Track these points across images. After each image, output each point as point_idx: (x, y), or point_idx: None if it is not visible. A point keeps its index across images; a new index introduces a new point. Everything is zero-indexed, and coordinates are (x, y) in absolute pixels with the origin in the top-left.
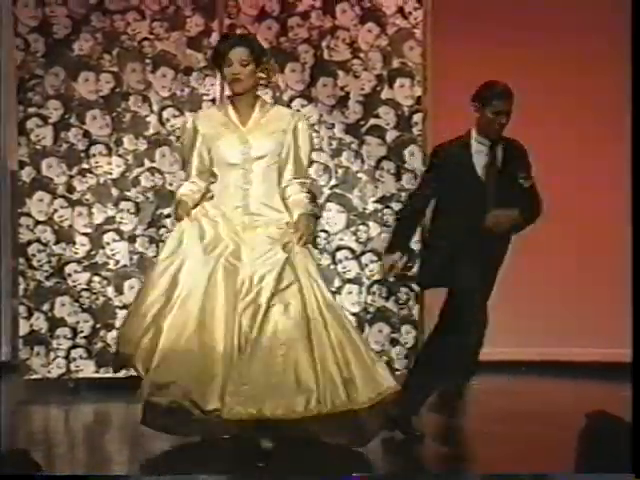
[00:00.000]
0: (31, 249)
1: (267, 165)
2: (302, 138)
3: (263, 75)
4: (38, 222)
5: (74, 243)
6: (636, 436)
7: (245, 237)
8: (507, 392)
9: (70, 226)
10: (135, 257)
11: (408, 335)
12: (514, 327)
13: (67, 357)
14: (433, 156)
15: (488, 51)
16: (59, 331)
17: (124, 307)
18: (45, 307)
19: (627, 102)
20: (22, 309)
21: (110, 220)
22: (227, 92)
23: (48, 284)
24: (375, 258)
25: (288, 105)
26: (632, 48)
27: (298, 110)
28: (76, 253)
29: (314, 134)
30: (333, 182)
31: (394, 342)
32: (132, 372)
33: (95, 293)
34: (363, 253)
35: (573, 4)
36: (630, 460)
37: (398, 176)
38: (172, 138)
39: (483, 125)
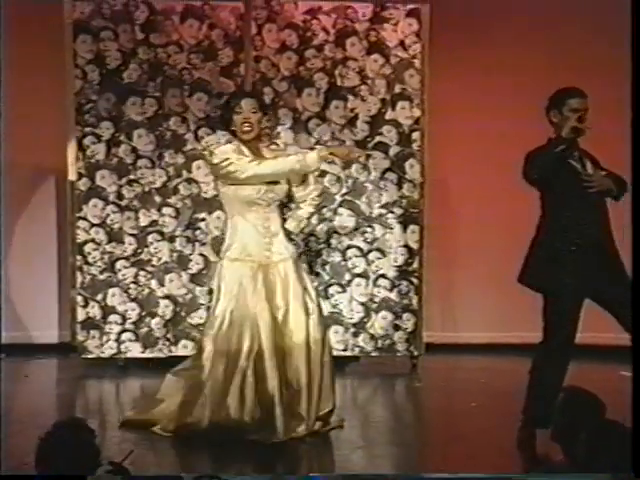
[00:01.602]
0: (87, 248)
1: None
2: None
3: (268, 125)
4: (93, 225)
5: (123, 242)
6: (636, 436)
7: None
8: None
9: (120, 228)
10: (175, 255)
11: (408, 322)
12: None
13: (117, 340)
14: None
15: (478, 79)
16: (111, 317)
17: (166, 297)
18: (99, 297)
19: (627, 102)
20: (79, 299)
21: (154, 223)
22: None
23: (101, 277)
24: (380, 255)
25: (306, 123)
26: (632, 48)
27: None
28: (125, 251)
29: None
30: (344, 190)
31: (396, 327)
32: (173, 353)
33: (141, 285)
34: (370, 251)
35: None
36: (630, 460)
37: (400, 185)
38: (206, 153)
39: (562, 127)
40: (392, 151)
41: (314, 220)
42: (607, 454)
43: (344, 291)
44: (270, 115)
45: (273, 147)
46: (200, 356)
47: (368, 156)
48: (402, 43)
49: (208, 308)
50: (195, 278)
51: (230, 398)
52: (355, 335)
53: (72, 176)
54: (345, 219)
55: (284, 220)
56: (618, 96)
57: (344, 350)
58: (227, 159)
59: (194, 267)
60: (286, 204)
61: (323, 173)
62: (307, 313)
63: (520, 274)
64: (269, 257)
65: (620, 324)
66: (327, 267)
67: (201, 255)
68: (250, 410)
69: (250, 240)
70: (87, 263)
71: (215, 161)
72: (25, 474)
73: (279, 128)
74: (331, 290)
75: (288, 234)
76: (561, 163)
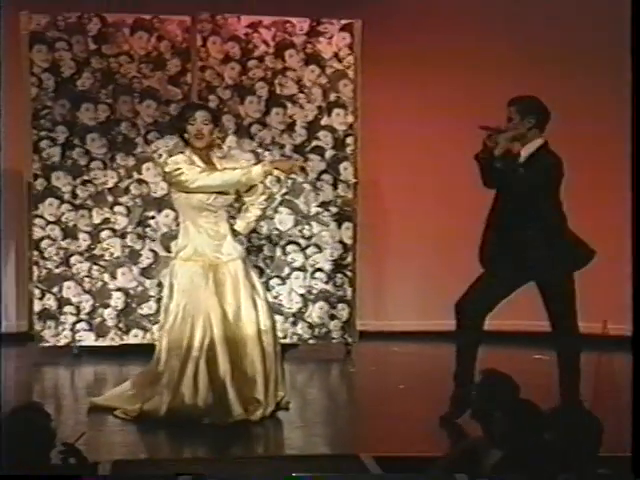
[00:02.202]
0: (43, 244)
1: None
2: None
3: (219, 136)
4: (49, 222)
5: (77, 239)
6: (636, 436)
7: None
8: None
9: (74, 225)
10: (126, 250)
11: (343, 311)
12: None
13: (72, 329)
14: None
15: (406, 88)
16: (66, 308)
17: (118, 289)
18: (55, 289)
19: (627, 102)
20: (36, 291)
21: (106, 220)
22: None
23: (57, 271)
24: (317, 250)
25: (248, 128)
26: (632, 48)
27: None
28: (79, 247)
29: (267, 152)
30: (284, 190)
31: (332, 317)
32: (125, 341)
33: (94, 279)
34: (307, 247)
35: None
36: (630, 460)
37: (335, 186)
38: (155, 156)
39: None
40: (328, 154)
41: None
42: (521, 431)
43: (284, 283)
44: (221, 126)
45: (220, 154)
46: (156, 349)
47: (306, 159)
48: (336, 55)
49: (158, 300)
50: (145, 272)
51: (184, 386)
52: (294, 324)
53: (29, 177)
54: (285, 217)
55: (232, 222)
56: (618, 96)
57: (284, 338)
58: (179, 169)
59: (144, 261)
60: (233, 205)
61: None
62: (256, 308)
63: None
64: (219, 258)
65: (547, 312)
66: (268, 261)
67: (151, 250)
68: (203, 396)
69: (201, 242)
70: (43, 258)
71: (167, 170)
72: (25, 474)
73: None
74: (272, 282)
75: (236, 235)
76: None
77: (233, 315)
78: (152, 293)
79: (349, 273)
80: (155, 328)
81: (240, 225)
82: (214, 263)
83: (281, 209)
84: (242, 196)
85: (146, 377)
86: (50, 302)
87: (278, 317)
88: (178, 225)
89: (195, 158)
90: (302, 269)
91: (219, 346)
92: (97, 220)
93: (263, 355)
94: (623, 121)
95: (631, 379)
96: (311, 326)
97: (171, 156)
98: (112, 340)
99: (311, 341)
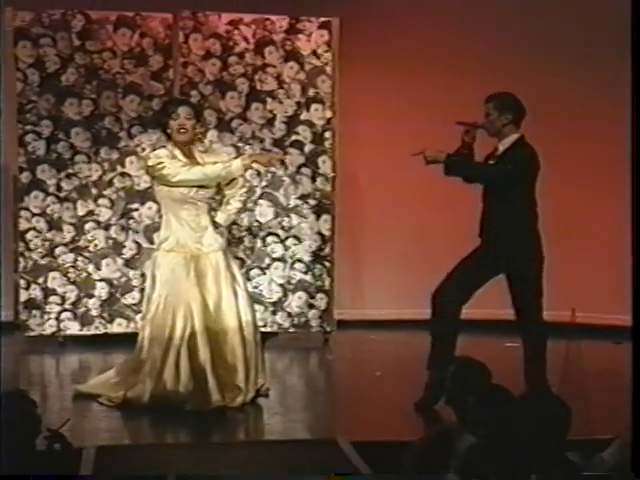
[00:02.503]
0: (29, 235)
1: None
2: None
3: (200, 130)
4: (34, 214)
5: (62, 230)
6: (636, 436)
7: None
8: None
9: (59, 217)
10: (110, 241)
11: (322, 301)
12: None
13: (57, 318)
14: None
15: (382, 84)
16: (51, 299)
17: (102, 280)
18: (40, 280)
19: (627, 102)
20: (22, 282)
21: (90, 213)
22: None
23: (42, 262)
24: (296, 242)
25: (229, 123)
26: (632, 50)
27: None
28: (64, 238)
29: (247, 146)
30: (264, 183)
31: (311, 306)
32: (108, 330)
33: (79, 269)
34: (287, 238)
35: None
36: (630, 460)
37: (314, 179)
38: (138, 149)
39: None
40: (307, 148)
41: None
42: (492, 414)
43: (264, 274)
44: (202, 121)
45: (201, 149)
46: (139, 338)
47: (285, 153)
48: (315, 52)
49: (141, 290)
50: (129, 262)
51: (166, 374)
52: (274, 313)
53: (14, 170)
54: (265, 209)
55: (213, 215)
56: (618, 97)
57: (264, 327)
58: (160, 162)
59: (128, 253)
60: (214, 198)
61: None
62: (237, 298)
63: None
64: (200, 249)
65: (514, 303)
66: (249, 252)
67: (134, 242)
68: (185, 384)
69: (183, 234)
70: (29, 249)
71: (149, 163)
72: (25, 474)
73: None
74: (252, 273)
75: (217, 227)
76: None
77: (214, 305)
78: (135, 283)
79: (327, 264)
80: (138, 317)
81: (221, 217)
82: (195, 254)
83: (261, 201)
84: (223, 189)
85: (129, 365)
86: (36, 292)
87: (258, 306)
88: (161, 217)
89: (177, 152)
90: (282, 260)
91: (200, 335)
92: (81, 212)
93: (243, 344)
94: (623, 121)
95: (631, 379)
96: (290, 315)
97: (154, 150)
98: (96, 329)
99: (290, 330)
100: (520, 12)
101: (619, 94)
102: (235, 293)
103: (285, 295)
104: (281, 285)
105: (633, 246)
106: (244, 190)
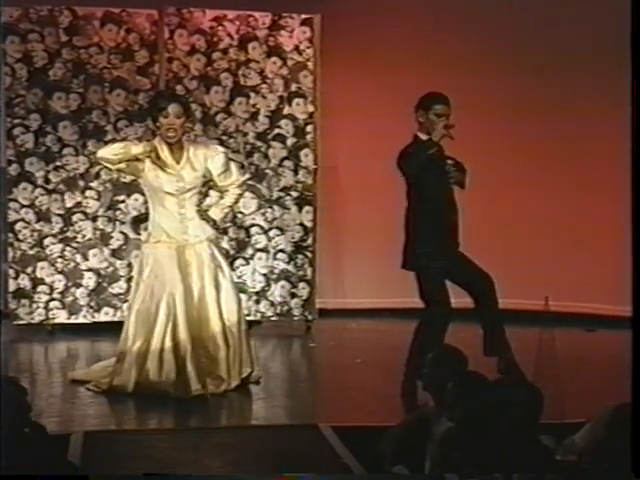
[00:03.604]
0: (17, 226)
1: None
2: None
3: (190, 125)
4: (23, 206)
5: (50, 222)
6: (636, 436)
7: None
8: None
9: (47, 209)
10: (97, 232)
11: (304, 290)
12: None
13: (46, 307)
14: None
15: (363, 79)
16: (39, 288)
17: (89, 270)
18: (29, 270)
19: (627, 102)
20: (11, 272)
21: (78, 204)
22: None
23: (31, 252)
24: (279, 233)
25: (213, 117)
26: (632, 48)
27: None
28: (52, 229)
29: (231, 140)
30: (247, 176)
31: (293, 295)
32: (96, 319)
33: (67, 259)
34: (270, 229)
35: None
36: (630, 460)
37: (296, 172)
38: None
39: (430, 129)
40: (289, 142)
41: None
42: (469, 399)
43: (248, 264)
44: (192, 117)
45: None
46: (124, 327)
47: (268, 146)
48: (297, 48)
49: (128, 279)
50: (116, 253)
51: (150, 362)
52: (257, 302)
53: (2, 163)
54: (248, 201)
55: (202, 206)
56: (618, 96)
57: (247, 315)
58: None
59: (115, 243)
60: (201, 191)
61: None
62: (220, 289)
63: (402, 262)
64: (186, 239)
65: (474, 301)
66: (233, 243)
67: (121, 232)
68: (167, 372)
69: (169, 225)
70: (18, 240)
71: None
72: (25, 474)
73: None
74: (236, 263)
75: (205, 218)
76: (432, 162)
77: (198, 295)
78: (122, 273)
79: (309, 254)
80: (125, 306)
81: (214, 212)
82: (181, 245)
83: (245, 194)
84: (217, 185)
85: (116, 353)
86: (24, 282)
87: (242, 296)
88: (147, 208)
89: (164, 147)
90: (265, 250)
91: (182, 325)
92: (69, 204)
93: (225, 334)
94: (623, 120)
95: (631, 373)
96: (273, 304)
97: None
98: (84, 318)
99: (273, 318)
100: (515, 10)
101: (619, 94)
102: (218, 284)
103: (268, 284)
104: (264, 275)
105: (633, 243)
106: (238, 183)
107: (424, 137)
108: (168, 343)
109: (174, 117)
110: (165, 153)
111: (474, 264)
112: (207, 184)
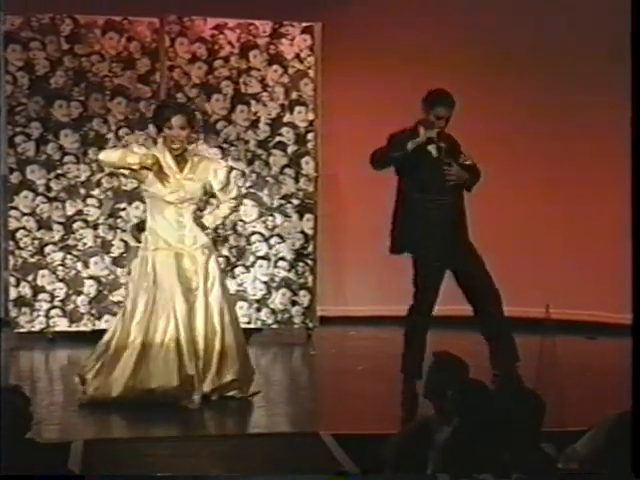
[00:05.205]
0: (19, 234)
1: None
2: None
3: (194, 136)
4: (24, 213)
5: (52, 230)
6: (636, 437)
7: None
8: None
9: (49, 217)
10: (98, 240)
11: (304, 298)
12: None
13: (47, 315)
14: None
15: (363, 87)
16: (40, 296)
17: (90, 278)
18: (30, 278)
19: (627, 102)
20: (12, 279)
21: (79, 212)
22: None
23: (32, 260)
24: (280, 240)
25: (214, 125)
26: (632, 48)
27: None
28: (53, 237)
29: (232, 148)
30: (248, 184)
31: (294, 303)
32: (97, 327)
33: (68, 267)
34: (271, 237)
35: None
36: (630, 460)
37: (297, 179)
38: None
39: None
40: (290, 149)
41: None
42: (471, 408)
43: (248, 271)
44: (197, 127)
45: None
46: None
47: (269, 154)
48: (298, 56)
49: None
50: (116, 261)
51: (149, 366)
52: (258, 310)
53: (4, 171)
54: (249, 209)
55: (199, 214)
56: (618, 97)
57: (248, 323)
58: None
59: (116, 251)
60: (201, 200)
61: (231, 169)
62: (210, 296)
63: (390, 247)
64: (183, 247)
65: (466, 298)
66: (234, 251)
67: (122, 240)
68: (167, 377)
69: (167, 232)
70: (19, 248)
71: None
72: (25, 474)
73: None
74: (237, 271)
75: (202, 226)
76: (418, 153)
77: (191, 303)
78: (123, 281)
79: (310, 262)
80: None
81: (208, 219)
82: (179, 252)
83: (246, 201)
84: (215, 195)
85: (103, 359)
86: (25, 290)
87: (243, 303)
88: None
89: (167, 155)
90: (266, 258)
91: (177, 331)
92: (70, 212)
93: (223, 341)
94: (623, 120)
95: (631, 378)
96: (274, 312)
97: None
98: (85, 326)
99: (274, 326)
100: (516, 12)
101: (619, 94)
102: (208, 292)
103: (269, 292)
104: (265, 283)
105: (633, 251)
106: (233, 195)
107: (421, 129)
108: (167, 348)
109: (179, 129)
110: (168, 162)
111: (485, 270)
112: (207, 194)
